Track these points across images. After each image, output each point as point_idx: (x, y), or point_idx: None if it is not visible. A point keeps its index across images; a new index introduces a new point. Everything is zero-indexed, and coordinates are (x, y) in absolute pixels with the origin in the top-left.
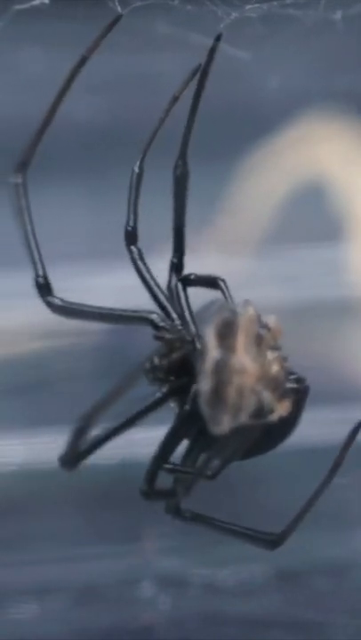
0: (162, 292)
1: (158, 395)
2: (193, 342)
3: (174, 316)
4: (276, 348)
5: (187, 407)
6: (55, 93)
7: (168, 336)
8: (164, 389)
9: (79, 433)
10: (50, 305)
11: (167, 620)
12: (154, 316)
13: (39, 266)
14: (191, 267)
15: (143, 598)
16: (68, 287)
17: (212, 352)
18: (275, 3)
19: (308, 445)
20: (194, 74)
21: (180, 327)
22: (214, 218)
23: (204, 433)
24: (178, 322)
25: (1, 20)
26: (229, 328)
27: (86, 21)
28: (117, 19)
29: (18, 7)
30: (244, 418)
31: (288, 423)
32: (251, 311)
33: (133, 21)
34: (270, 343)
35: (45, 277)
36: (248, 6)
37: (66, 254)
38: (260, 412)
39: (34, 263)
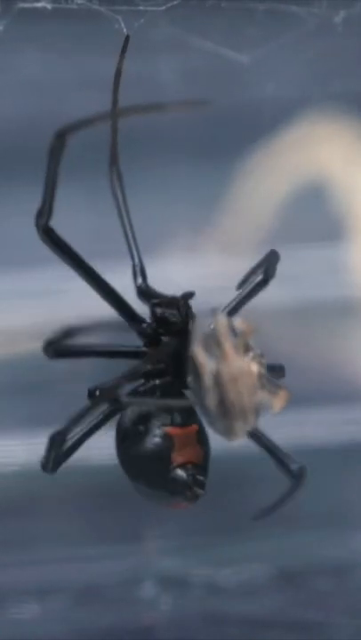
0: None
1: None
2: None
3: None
4: (249, 348)
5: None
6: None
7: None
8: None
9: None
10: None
11: (168, 620)
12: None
13: (135, 254)
14: (192, 266)
15: (144, 598)
16: (69, 287)
17: (206, 367)
18: (275, 2)
19: (308, 445)
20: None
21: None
22: (214, 218)
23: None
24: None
25: (3, 22)
26: (212, 339)
27: (87, 24)
28: (127, 41)
29: (21, 6)
30: (253, 420)
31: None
32: (221, 318)
33: (132, 23)
34: (243, 344)
35: (141, 264)
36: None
37: None
38: (260, 410)
39: (130, 251)
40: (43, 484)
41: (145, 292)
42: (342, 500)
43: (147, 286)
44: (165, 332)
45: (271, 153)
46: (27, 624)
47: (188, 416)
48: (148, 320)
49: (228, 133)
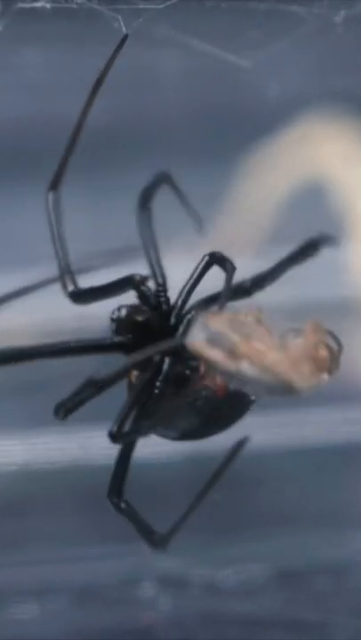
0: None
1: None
2: (166, 309)
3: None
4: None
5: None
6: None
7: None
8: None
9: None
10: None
11: (167, 620)
12: (137, 277)
13: (65, 264)
14: (192, 266)
15: (143, 598)
16: None
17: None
18: (276, 2)
19: (308, 445)
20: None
21: (162, 293)
22: (214, 218)
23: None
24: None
25: (2, 21)
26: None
27: (87, 23)
28: (124, 39)
29: (21, 5)
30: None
31: (224, 416)
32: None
33: (133, 23)
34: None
35: (70, 271)
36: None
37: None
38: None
39: (60, 265)
40: (43, 484)
41: (82, 294)
42: (342, 499)
43: (79, 289)
44: (135, 328)
45: (271, 153)
46: (26, 624)
47: (189, 363)
48: (115, 334)
49: (229, 133)
